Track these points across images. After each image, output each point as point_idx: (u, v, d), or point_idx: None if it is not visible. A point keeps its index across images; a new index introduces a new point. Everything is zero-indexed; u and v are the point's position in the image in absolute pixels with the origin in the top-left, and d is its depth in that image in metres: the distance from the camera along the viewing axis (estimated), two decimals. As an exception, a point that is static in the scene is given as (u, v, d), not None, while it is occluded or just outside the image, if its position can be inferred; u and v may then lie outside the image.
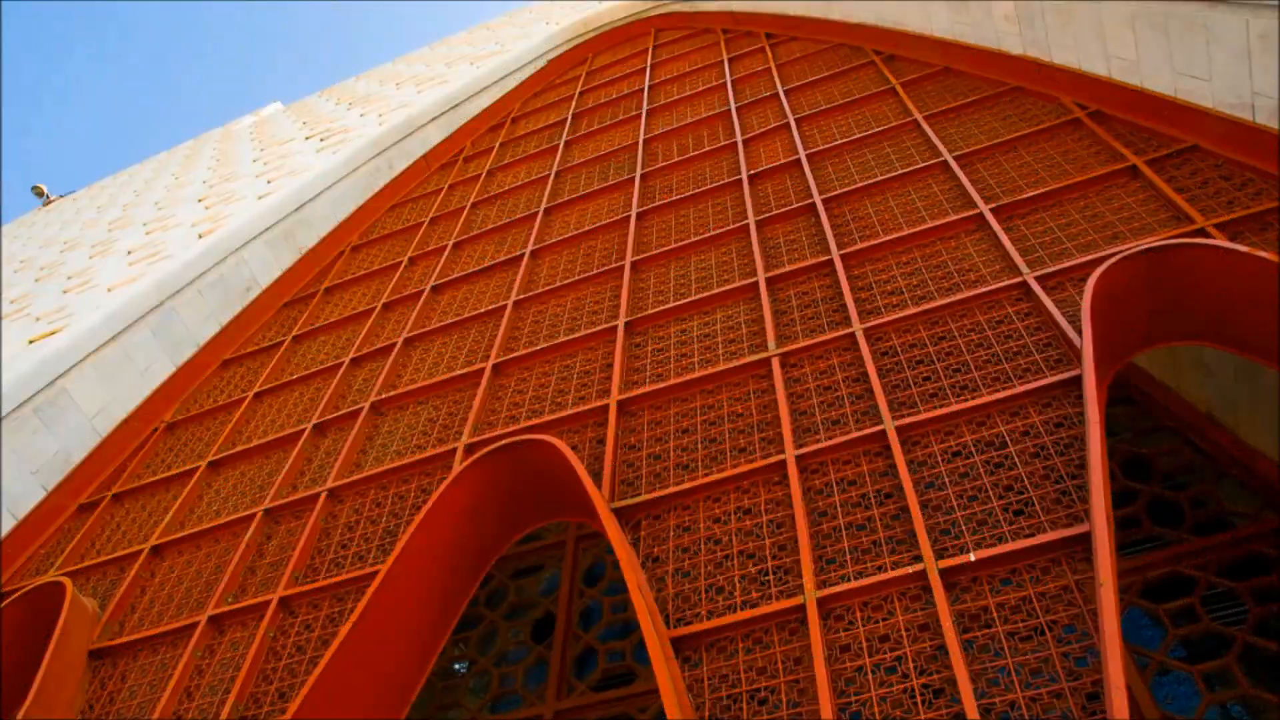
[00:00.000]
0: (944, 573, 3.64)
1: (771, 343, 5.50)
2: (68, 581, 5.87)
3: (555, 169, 10.43)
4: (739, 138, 8.92)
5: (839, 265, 5.98)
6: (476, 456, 5.11)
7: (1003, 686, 3.24)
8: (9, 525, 7.20)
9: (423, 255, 9.82)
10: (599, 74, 14.11)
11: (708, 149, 9.09)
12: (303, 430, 7.05)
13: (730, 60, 11.68)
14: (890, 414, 4.54)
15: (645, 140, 10.04)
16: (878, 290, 5.65)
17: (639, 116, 10.99)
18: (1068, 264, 5.02)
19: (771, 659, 3.71)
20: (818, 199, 6.99)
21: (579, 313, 7.01)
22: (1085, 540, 3.50)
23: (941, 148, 6.95)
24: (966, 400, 4.45)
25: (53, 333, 8.87)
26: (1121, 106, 6.34)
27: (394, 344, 7.83)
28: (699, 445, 5.02)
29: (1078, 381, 4.18)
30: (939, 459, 4.23)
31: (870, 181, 6.96)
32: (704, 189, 8.14)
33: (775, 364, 5.29)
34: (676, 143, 9.76)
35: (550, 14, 18.14)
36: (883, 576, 3.75)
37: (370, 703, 4.62)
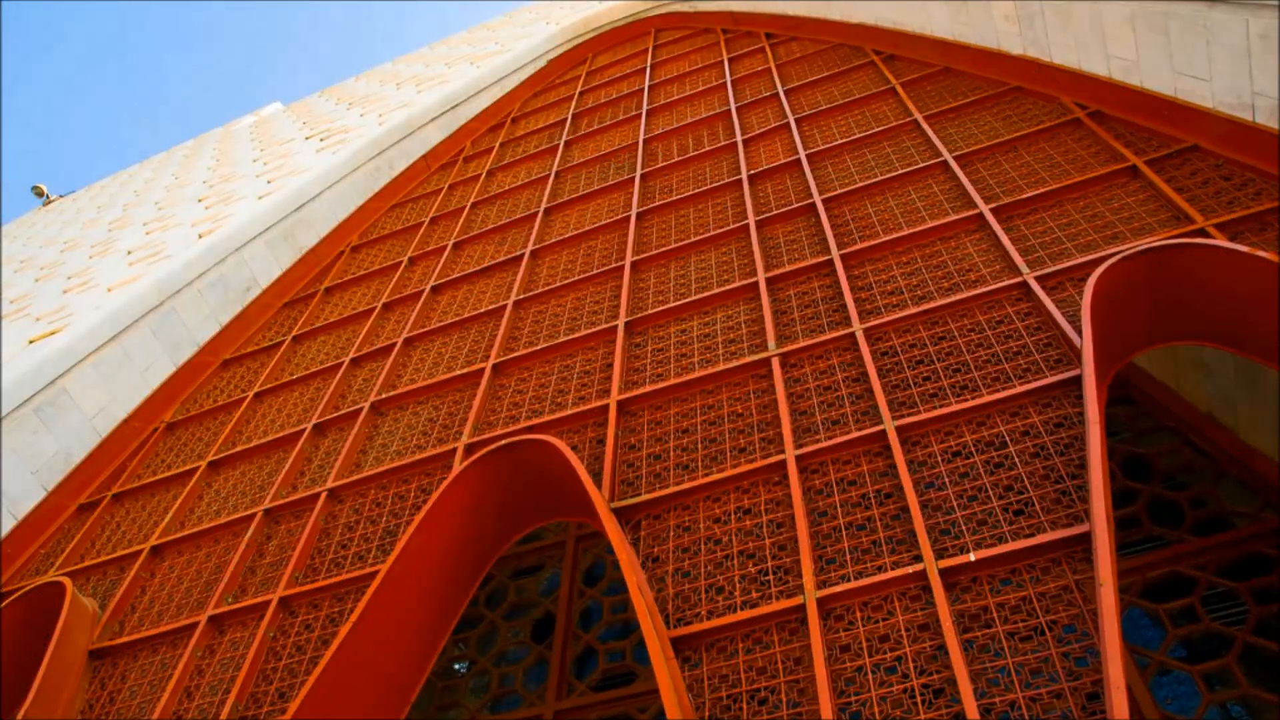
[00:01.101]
0: (944, 573, 3.64)
1: (771, 343, 5.50)
2: (68, 581, 5.87)
3: (555, 169, 10.43)
4: (739, 138, 8.92)
5: (839, 265, 5.98)
6: (476, 456, 5.12)
7: (1003, 686, 3.24)
8: (9, 525, 7.20)
9: (423, 255, 9.82)
10: (599, 74, 14.11)
11: (708, 149, 9.09)
12: (303, 430, 7.05)
13: (730, 60, 11.68)
14: (890, 414, 4.54)
15: (645, 140, 10.04)
16: (878, 290, 5.65)
17: (639, 116, 10.99)
18: (1068, 264, 5.02)
19: (771, 659, 3.71)
20: (818, 199, 6.99)
21: (579, 313, 7.01)
22: (1085, 540, 3.50)
23: (941, 148, 6.95)
24: (966, 400, 4.45)
25: (53, 333, 8.86)
26: (1121, 106, 6.34)
27: (394, 344, 7.83)
28: (699, 445, 5.02)
29: (1078, 381, 4.18)
30: (939, 459, 4.23)
31: (870, 181, 6.96)
32: (704, 189, 8.14)
33: (775, 364, 5.29)
34: (676, 143, 9.76)
35: (550, 14, 18.13)
36: (883, 576, 3.75)
37: (370, 703, 4.62)
